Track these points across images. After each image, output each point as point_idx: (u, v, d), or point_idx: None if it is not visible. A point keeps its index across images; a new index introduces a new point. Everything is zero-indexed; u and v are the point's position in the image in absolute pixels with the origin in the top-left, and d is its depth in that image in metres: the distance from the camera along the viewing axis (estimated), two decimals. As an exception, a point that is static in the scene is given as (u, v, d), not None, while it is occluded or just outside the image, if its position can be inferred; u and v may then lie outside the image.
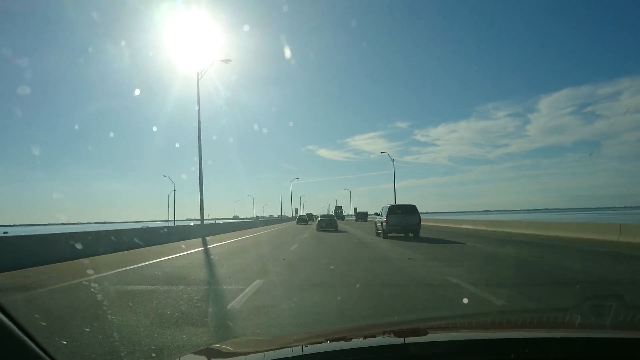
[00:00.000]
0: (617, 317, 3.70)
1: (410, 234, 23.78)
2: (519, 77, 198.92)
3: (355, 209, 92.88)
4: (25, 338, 1.25)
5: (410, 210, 24.19)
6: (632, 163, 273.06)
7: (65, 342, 4.67)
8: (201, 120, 29.53)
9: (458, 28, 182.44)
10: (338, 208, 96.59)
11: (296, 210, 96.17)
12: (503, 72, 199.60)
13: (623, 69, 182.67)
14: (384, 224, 23.82)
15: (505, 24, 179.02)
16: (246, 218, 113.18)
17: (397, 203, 27.03)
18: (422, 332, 2.78)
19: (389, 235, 23.73)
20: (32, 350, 1.23)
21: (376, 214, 27.00)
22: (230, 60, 30.13)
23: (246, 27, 75.78)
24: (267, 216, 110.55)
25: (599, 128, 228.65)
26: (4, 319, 1.18)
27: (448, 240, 20.78)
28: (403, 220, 23.65)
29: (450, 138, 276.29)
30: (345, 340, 2.53)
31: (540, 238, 21.44)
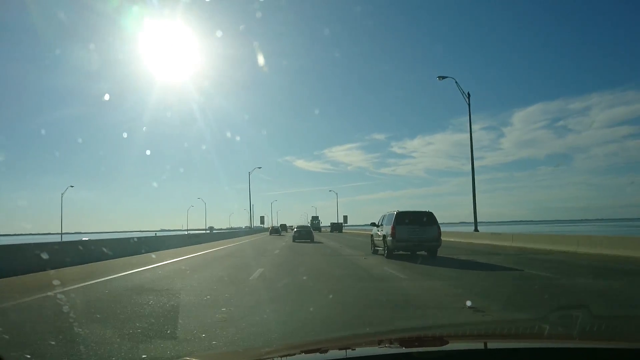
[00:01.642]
0: (584, 327, 3.81)
1: (424, 252, 17.26)
2: (494, 91, 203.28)
3: (345, 216, 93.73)
4: None
5: (426, 220, 17.23)
6: (601, 176, 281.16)
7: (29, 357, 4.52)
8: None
9: (434, 42, 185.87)
10: (315, 218, 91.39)
11: (261, 218, 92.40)
12: (478, 85, 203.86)
13: (593, 84, 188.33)
14: (388, 238, 16.95)
15: (479, 39, 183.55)
16: (221, 229, 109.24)
17: (406, 210, 17.79)
18: (400, 343, 2.79)
19: (395, 253, 17.10)
20: None
21: (373, 224, 20.48)
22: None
23: (219, 33, 74.96)
24: (244, 227, 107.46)
25: (570, 142, 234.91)
26: None
27: (489, 265, 14.32)
28: (417, 233, 16.78)
29: (426, 150, 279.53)
30: (321, 352, 2.52)
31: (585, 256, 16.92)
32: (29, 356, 4.54)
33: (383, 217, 19.00)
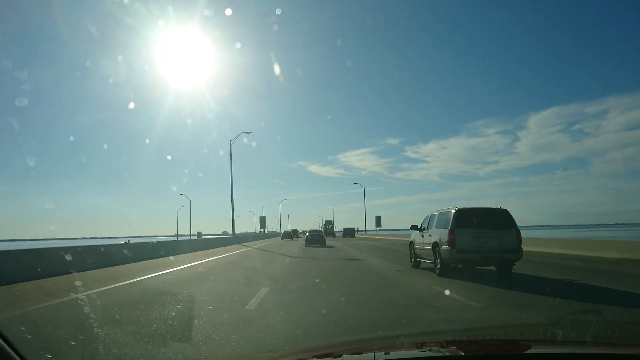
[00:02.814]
0: (598, 332, 3.80)
1: (493, 267, 12.45)
2: (509, 95, 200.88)
3: (379, 217, 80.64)
4: (13, 353, 1.28)
5: (500, 221, 12.35)
6: (618, 181, 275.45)
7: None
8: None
9: (447, 45, 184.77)
10: (328, 223, 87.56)
11: (261, 218, 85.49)
12: (493, 89, 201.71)
13: (610, 87, 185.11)
14: (444, 247, 12.13)
15: (494, 42, 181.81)
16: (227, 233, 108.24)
17: (470, 207, 12.84)
18: (413, 347, 2.80)
19: (452, 267, 12.30)
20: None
21: (414, 227, 15.37)
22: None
23: (238, 45, 76.38)
24: (258, 232, 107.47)
25: (587, 146, 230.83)
26: None
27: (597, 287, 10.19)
28: (487, 239, 11.91)
29: (440, 155, 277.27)
30: (334, 357, 2.55)
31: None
32: (49, 356, 4.66)
33: (431, 218, 14.08)
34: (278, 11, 68.91)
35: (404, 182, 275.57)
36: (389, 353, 2.64)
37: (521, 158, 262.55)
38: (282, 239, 59.01)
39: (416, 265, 14.92)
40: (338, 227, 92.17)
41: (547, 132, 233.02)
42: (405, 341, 4.07)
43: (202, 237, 75.27)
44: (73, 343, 5.22)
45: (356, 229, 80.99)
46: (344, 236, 73.87)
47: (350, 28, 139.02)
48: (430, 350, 2.53)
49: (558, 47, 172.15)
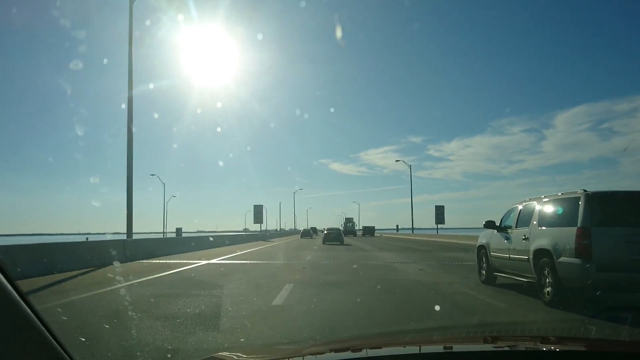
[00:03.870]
0: (634, 329, 3.69)
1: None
2: (535, 92, 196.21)
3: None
4: (47, 334, 1.33)
5: None
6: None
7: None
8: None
9: (473, 42, 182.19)
10: (349, 220, 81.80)
11: (256, 208, 68.19)
12: (518, 87, 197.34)
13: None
14: (562, 257, 7.22)
15: (519, 39, 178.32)
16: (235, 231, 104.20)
17: (612, 191, 7.78)
18: (433, 342, 2.79)
19: (581, 293, 7.10)
20: (52, 347, 1.32)
21: (490, 224, 10.34)
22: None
23: (260, 36, 75.86)
24: (278, 229, 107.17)
25: (616, 145, 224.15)
26: (32, 317, 1.27)
27: None
28: None
29: (464, 153, 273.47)
30: (353, 351, 2.51)
31: None
32: (83, 339, 4.81)
33: (523, 210, 9.23)
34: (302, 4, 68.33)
35: (426, 180, 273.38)
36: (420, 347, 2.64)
37: (547, 157, 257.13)
38: (301, 237, 60.10)
39: (489, 280, 10.04)
40: (358, 225, 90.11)
41: (575, 130, 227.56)
42: (432, 336, 4.04)
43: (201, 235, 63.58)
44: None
45: (374, 227, 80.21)
46: (363, 234, 73.20)
47: (373, 26, 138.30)
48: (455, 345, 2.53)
49: (586, 44, 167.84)
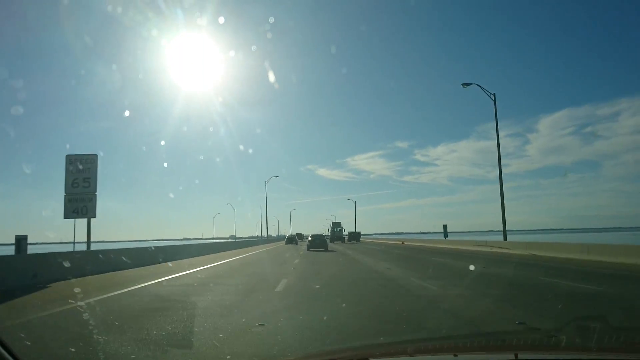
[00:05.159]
0: (602, 339, 3.67)
1: None
2: (519, 97, 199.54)
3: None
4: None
5: None
6: (631, 184, 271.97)
7: None
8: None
9: (457, 49, 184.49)
10: (336, 225, 73.55)
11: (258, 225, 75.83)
12: (503, 91, 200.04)
13: (621, 89, 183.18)
14: None
15: (503, 45, 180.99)
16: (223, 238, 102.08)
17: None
18: (432, 351, 2.78)
19: None
20: None
21: None
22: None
23: (243, 49, 76.31)
24: (256, 236, 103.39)
25: (599, 148, 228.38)
26: None
27: None
28: None
29: (450, 158, 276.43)
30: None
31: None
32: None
33: None
34: (270, 19, 68.74)
35: (413, 185, 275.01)
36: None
37: (532, 161, 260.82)
38: (286, 243, 59.56)
39: None
40: (345, 230, 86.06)
41: (558, 134, 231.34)
42: (410, 346, 4.00)
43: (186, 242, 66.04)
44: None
45: (360, 233, 79.53)
46: (349, 240, 72.43)
47: (360, 31, 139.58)
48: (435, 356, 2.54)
49: (569, 48, 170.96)
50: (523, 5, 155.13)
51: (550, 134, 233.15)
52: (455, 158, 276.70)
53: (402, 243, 49.72)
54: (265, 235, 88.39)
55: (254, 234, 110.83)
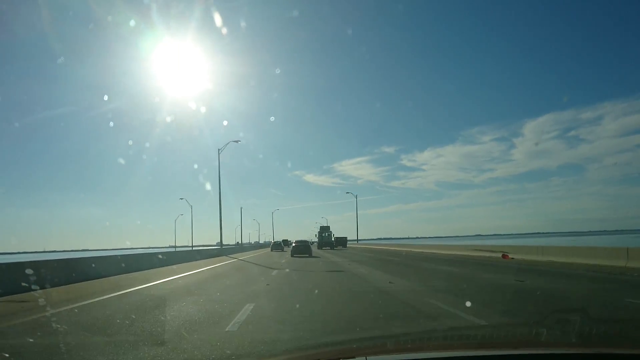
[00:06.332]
0: (582, 332, 3.67)
1: None
2: (504, 101, 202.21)
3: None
4: None
5: None
6: (615, 187, 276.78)
7: None
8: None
9: (442, 53, 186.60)
10: (324, 229, 67.42)
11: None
12: (488, 96, 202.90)
13: (605, 93, 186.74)
14: None
15: (490, 49, 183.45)
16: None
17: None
18: (401, 350, 2.76)
19: None
20: None
21: None
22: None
23: (231, 54, 76.23)
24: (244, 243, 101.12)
25: (583, 152, 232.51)
26: None
27: None
28: None
29: (436, 163, 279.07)
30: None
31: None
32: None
33: None
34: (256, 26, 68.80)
35: (400, 190, 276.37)
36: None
37: (517, 165, 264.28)
38: (271, 250, 58.77)
39: None
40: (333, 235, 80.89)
41: (543, 138, 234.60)
42: (395, 344, 3.99)
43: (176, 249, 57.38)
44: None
45: (346, 238, 77.95)
46: (335, 246, 69.75)
47: (345, 35, 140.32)
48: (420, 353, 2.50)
49: (553, 53, 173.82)
50: (506, 12, 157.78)
51: (534, 138, 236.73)
52: (442, 163, 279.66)
53: (405, 252, 43.20)
54: (262, 241, 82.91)
55: (237, 241, 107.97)
